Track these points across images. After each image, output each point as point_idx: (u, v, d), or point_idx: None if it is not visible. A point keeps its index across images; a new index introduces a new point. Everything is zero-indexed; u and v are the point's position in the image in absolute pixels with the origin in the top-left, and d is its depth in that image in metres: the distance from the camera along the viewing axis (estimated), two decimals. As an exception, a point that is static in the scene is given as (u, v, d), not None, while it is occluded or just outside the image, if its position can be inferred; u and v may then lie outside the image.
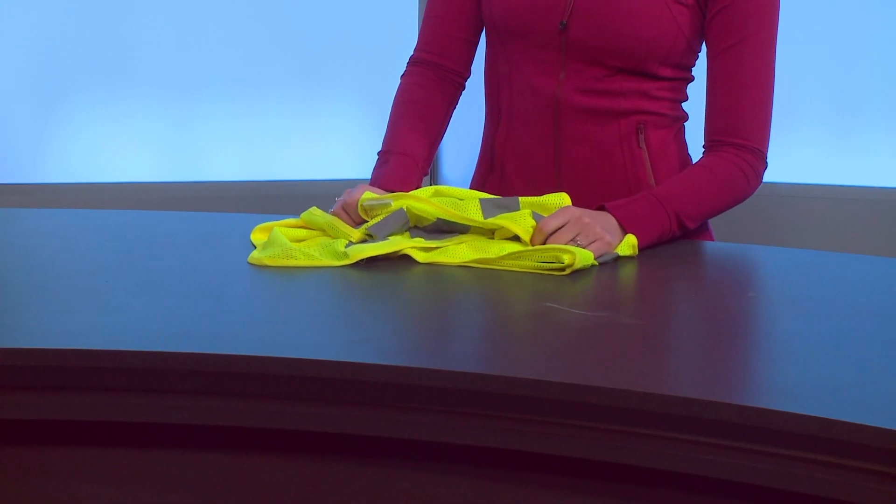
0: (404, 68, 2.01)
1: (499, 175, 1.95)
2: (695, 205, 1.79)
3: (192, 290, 1.47)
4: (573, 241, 1.63)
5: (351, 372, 1.16)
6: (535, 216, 1.67)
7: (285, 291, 1.51)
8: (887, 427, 1.00)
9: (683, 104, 1.93)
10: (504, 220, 1.65)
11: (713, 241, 1.93)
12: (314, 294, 1.51)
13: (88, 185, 3.64)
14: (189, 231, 1.87)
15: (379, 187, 1.81)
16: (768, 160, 1.86)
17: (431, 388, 1.14)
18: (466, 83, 2.01)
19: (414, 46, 2.02)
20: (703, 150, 1.87)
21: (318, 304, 1.47)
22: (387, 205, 1.70)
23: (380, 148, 1.95)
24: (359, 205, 1.71)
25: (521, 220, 1.65)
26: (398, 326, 1.39)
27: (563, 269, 1.57)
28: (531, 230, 1.65)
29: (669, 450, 1.08)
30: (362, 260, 1.59)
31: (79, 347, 1.20)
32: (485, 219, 1.66)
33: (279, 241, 1.62)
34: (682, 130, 1.94)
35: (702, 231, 1.91)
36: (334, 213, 1.74)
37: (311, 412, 1.17)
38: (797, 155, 3.57)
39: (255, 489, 1.22)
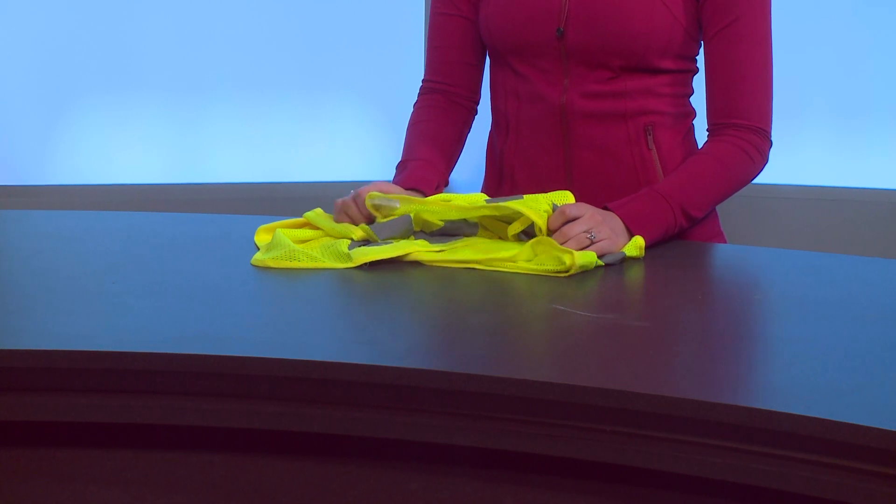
0: (416, 98, 2.03)
1: (509, 185, 1.96)
2: (699, 194, 1.80)
3: (198, 291, 1.48)
4: (586, 232, 1.64)
5: (357, 374, 1.16)
6: (553, 206, 1.67)
7: (291, 293, 1.52)
8: (892, 429, 1.00)
9: (692, 99, 1.93)
10: (519, 205, 1.65)
11: (726, 243, 1.93)
12: (320, 296, 1.51)
13: (94, 187, 3.64)
14: (195, 233, 1.88)
15: (399, 186, 1.82)
16: (773, 140, 1.86)
17: (437, 389, 1.14)
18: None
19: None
20: (707, 134, 1.87)
21: (323, 306, 1.48)
22: (393, 206, 1.70)
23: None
24: (366, 200, 1.71)
25: (534, 204, 1.65)
26: (404, 328, 1.39)
27: (566, 271, 1.57)
28: (545, 215, 1.65)
29: (675, 452, 1.08)
30: (365, 262, 1.60)
31: (85, 349, 1.20)
32: (497, 210, 1.66)
33: (282, 242, 1.63)
34: (691, 130, 1.94)
35: (714, 233, 1.91)
36: (343, 204, 1.75)
37: (316, 414, 1.17)
38: (802, 157, 3.57)
39: (261, 491, 1.22)
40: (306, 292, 1.52)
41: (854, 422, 1.02)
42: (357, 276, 1.57)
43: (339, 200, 1.77)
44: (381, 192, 1.73)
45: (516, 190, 1.94)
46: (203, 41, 3.67)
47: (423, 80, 2.03)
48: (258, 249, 1.70)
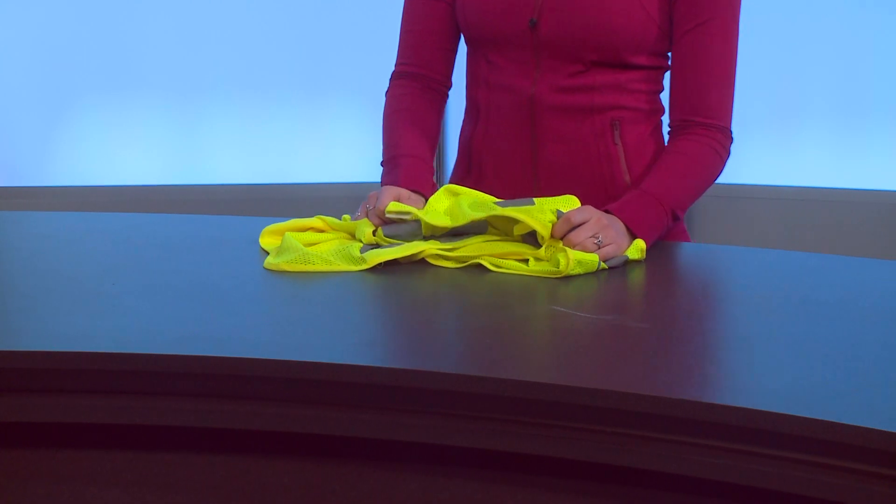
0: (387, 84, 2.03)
1: (476, 174, 1.96)
2: (684, 195, 1.81)
3: (199, 292, 1.48)
4: (593, 237, 1.64)
5: (357, 375, 1.16)
6: (557, 213, 1.68)
7: (291, 295, 1.52)
8: (890, 430, 1.01)
9: (661, 95, 1.94)
10: (522, 214, 1.65)
11: (689, 241, 1.93)
12: (320, 297, 1.51)
13: (94, 189, 3.64)
14: (195, 234, 1.88)
15: (404, 189, 1.82)
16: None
17: (437, 391, 1.14)
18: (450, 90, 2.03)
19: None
20: (671, 130, 1.88)
21: (323, 307, 1.48)
22: (404, 219, 1.71)
23: (381, 158, 1.96)
24: (385, 213, 1.72)
25: (539, 214, 1.66)
26: (405, 330, 1.39)
27: (563, 273, 1.58)
28: (549, 225, 1.65)
29: (675, 453, 1.08)
30: (379, 263, 1.60)
31: (85, 350, 1.20)
32: (503, 214, 1.67)
33: (294, 246, 1.63)
34: (659, 127, 1.95)
35: (679, 232, 1.92)
36: (363, 219, 1.76)
37: (317, 415, 1.17)
38: (802, 158, 3.57)
39: (262, 492, 1.22)
40: (306, 294, 1.52)
41: (852, 423, 1.02)
42: (357, 278, 1.57)
43: (356, 216, 1.77)
44: (396, 200, 1.74)
45: (482, 180, 1.95)
46: (203, 42, 3.67)
47: (396, 65, 2.03)
48: (259, 250, 1.70)
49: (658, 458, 1.09)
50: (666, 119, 1.94)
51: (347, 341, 1.31)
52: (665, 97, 1.94)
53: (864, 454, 1.01)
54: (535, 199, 1.70)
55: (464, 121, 2.01)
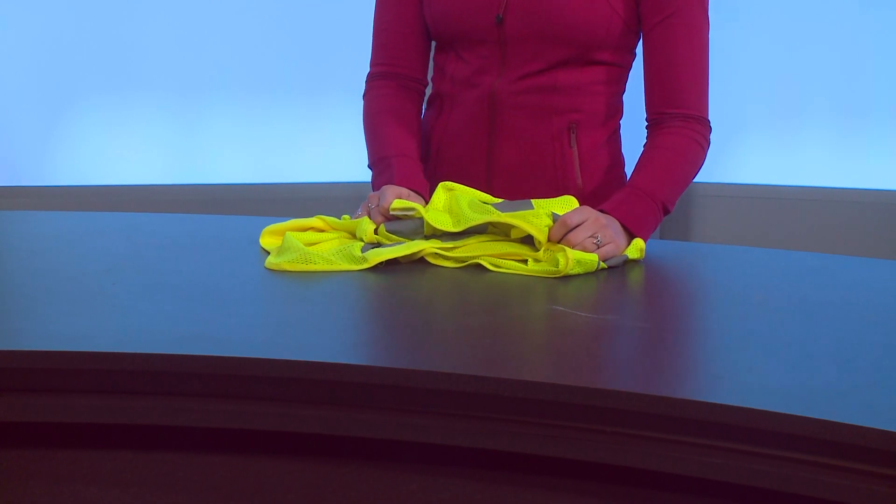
0: (363, 87, 2.03)
1: (434, 162, 1.98)
2: (673, 190, 1.83)
3: (199, 292, 1.48)
4: (592, 237, 1.64)
5: (356, 374, 1.16)
6: (553, 216, 1.68)
7: (291, 294, 1.52)
8: (891, 430, 1.01)
9: (623, 96, 1.95)
10: (519, 220, 1.66)
11: None
12: (320, 297, 1.51)
13: (95, 188, 3.65)
14: (195, 233, 1.88)
15: (402, 188, 1.83)
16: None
17: (437, 390, 1.14)
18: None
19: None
20: (648, 125, 1.88)
21: (325, 306, 1.48)
22: (410, 215, 1.72)
23: (368, 160, 1.96)
24: (390, 209, 1.73)
25: (535, 219, 1.66)
26: (404, 329, 1.39)
27: (562, 273, 1.58)
28: (546, 230, 1.66)
29: (675, 453, 1.08)
30: (380, 263, 1.60)
31: (85, 350, 1.20)
32: (501, 219, 1.68)
33: (295, 245, 1.63)
34: (617, 131, 1.96)
35: None
36: (365, 215, 1.76)
37: (317, 415, 1.17)
38: (802, 157, 3.57)
39: (262, 492, 1.22)
40: (306, 293, 1.52)
41: (854, 423, 1.02)
42: (357, 278, 1.57)
43: (358, 215, 1.78)
44: (399, 198, 1.75)
45: (439, 170, 1.96)
46: (203, 42, 3.68)
47: (371, 66, 2.03)
48: (259, 250, 1.70)
49: (658, 458, 1.09)
50: (626, 122, 1.96)
51: (347, 341, 1.31)
52: (627, 99, 1.95)
53: (864, 454, 1.01)
54: (532, 202, 1.70)
55: (426, 108, 2.03)
